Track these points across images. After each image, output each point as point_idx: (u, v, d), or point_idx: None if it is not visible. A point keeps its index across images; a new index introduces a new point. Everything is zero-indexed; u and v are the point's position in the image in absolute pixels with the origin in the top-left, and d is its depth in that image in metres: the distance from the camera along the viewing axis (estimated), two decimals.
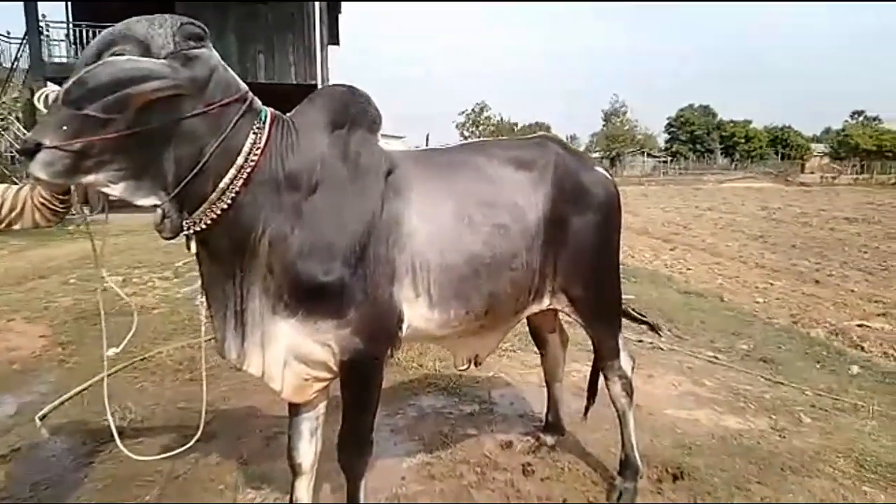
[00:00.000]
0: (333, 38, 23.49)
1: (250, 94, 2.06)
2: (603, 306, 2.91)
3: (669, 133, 63.42)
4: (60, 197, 2.03)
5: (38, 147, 1.67)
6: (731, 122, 62.81)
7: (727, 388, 4.73)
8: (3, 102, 14.08)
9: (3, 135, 13.23)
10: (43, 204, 2.06)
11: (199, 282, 2.18)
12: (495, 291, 2.50)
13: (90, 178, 1.77)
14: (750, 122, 63.45)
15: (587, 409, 3.43)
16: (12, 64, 17.27)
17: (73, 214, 2.17)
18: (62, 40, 18.17)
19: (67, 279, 7.81)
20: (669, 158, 58.07)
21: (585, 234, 2.71)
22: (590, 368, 3.48)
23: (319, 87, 17.37)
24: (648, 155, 57.81)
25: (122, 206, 2.06)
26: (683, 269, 10.96)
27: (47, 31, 17.54)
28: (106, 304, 2.79)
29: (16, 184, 2.14)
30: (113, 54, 1.77)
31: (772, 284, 9.66)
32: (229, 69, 2.01)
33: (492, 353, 3.29)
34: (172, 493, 2.96)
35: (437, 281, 2.34)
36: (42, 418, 3.71)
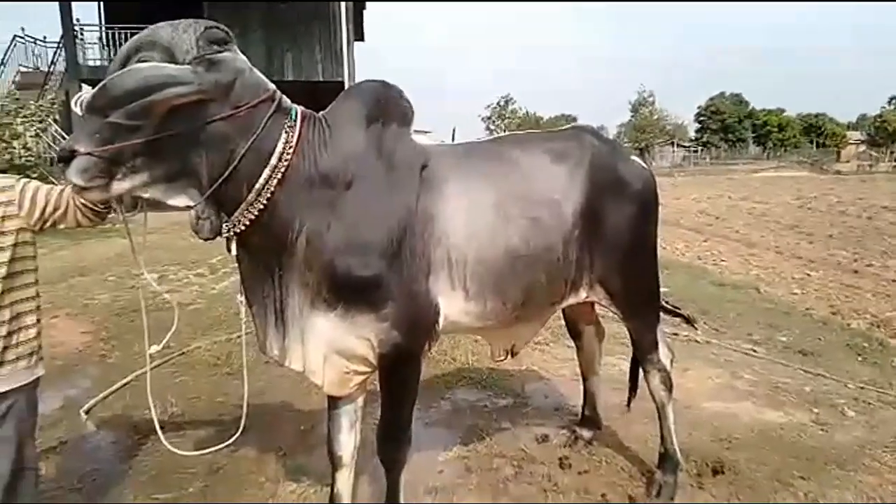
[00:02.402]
0: (359, 34, 23.56)
1: (279, 93, 2.07)
2: (641, 298, 2.87)
3: (700, 122, 62.29)
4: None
5: (73, 154, 1.74)
6: (764, 110, 61.45)
7: (766, 381, 4.64)
8: (41, 105, 14.47)
9: (42, 136, 13.61)
10: (84, 205, 2.11)
11: (240, 281, 2.21)
12: (531, 284, 2.48)
13: (125, 182, 1.83)
14: (783, 110, 62.06)
15: (629, 400, 3.40)
16: (49, 67, 17.71)
17: (113, 214, 2.22)
18: (95, 43, 18.59)
19: (106, 276, 8.00)
20: (700, 148, 57.06)
21: (623, 225, 2.67)
22: (627, 362, 3.44)
23: (346, 83, 17.51)
24: (678, 145, 56.81)
25: (156, 203, 2.11)
26: (717, 261, 10.77)
27: (81, 34, 17.93)
28: (146, 300, 2.87)
29: (55, 185, 2.20)
30: (139, 61, 1.80)
31: (809, 275, 9.44)
32: (255, 70, 2.03)
33: (528, 344, 3.28)
34: (214, 486, 3.01)
35: (473, 274, 2.33)
36: (87, 412, 3.81)
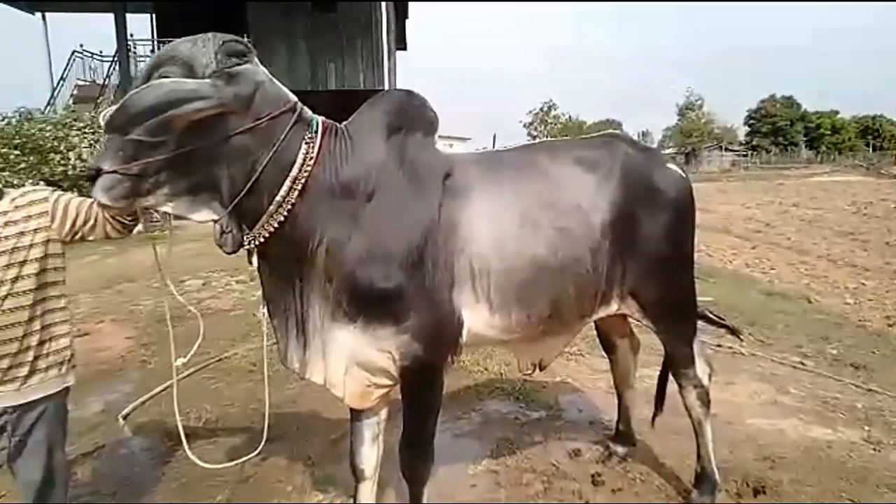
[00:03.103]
0: (401, 43, 23.76)
1: (299, 104, 2.07)
2: (676, 311, 2.77)
3: (749, 126, 60.59)
4: (128, 213, 2.12)
5: (99, 172, 1.77)
6: (817, 112, 59.37)
7: (814, 396, 4.44)
8: (96, 118, 15.08)
9: (96, 148, 14.19)
10: (113, 217, 2.15)
11: (261, 293, 2.22)
12: (559, 296, 2.42)
13: (149, 199, 1.87)
14: (837, 112, 59.83)
15: (654, 417, 3.29)
16: (104, 81, 18.39)
17: (157, 221, 2.26)
18: (148, 56, 19.21)
19: (151, 283, 8.20)
20: (750, 152, 55.47)
21: (657, 235, 2.58)
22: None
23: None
24: (727, 149, 55.36)
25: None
26: (767, 269, 10.43)
27: (135, 48, 18.58)
28: (183, 308, 2.92)
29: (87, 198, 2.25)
30: (161, 76, 1.82)
31: (864, 285, 9.05)
32: (276, 82, 2.03)
33: (557, 358, 3.20)
34: (243, 494, 3.03)
35: (497, 286, 2.28)
36: (125, 417, 3.89)
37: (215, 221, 2.01)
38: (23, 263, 2.06)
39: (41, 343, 2.13)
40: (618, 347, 3.30)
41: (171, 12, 18.70)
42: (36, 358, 2.12)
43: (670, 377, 3.09)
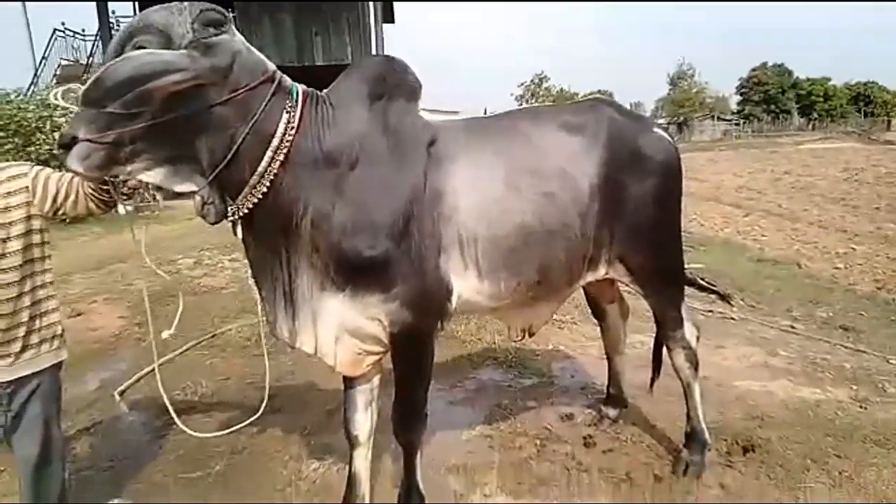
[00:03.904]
0: (388, 17, 23.41)
1: (279, 73, 2.05)
2: (664, 275, 2.79)
3: (741, 94, 60.35)
4: (102, 187, 2.09)
5: (74, 140, 1.74)
6: (809, 80, 59.12)
7: (803, 357, 4.50)
8: (74, 95, 14.86)
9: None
10: (94, 193, 2.13)
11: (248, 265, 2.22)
12: (546, 261, 2.43)
13: (126, 168, 1.84)
14: (829, 79, 59.58)
15: (653, 381, 3.33)
16: (88, 60, 18.12)
17: (148, 202, 2.24)
18: None
19: (142, 263, 8.19)
20: (742, 121, 55.33)
21: (643, 199, 2.59)
22: (653, 340, 3.36)
23: None
24: (719, 118, 55.18)
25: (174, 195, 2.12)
26: (758, 236, 10.48)
27: (117, 26, 18.25)
28: (181, 285, 2.95)
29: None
30: (136, 46, 1.79)
31: (854, 249, 9.11)
32: (254, 51, 2.00)
33: (546, 324, 3.23)
34: (241, 463, 3.07)
35: (485, 252, 2.30)
36: (121, 394, 3.92)
37: (195, 193, 1.99)
38: (6, 240, 2.05)
39: (31, 319, 2.13)
40: (607, 313, 3.33)
41: None
42: (27, 333, 2.13)
43: None
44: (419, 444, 2.47)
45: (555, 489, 2.82)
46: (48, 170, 2.20)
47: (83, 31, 18.80)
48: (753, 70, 59.45)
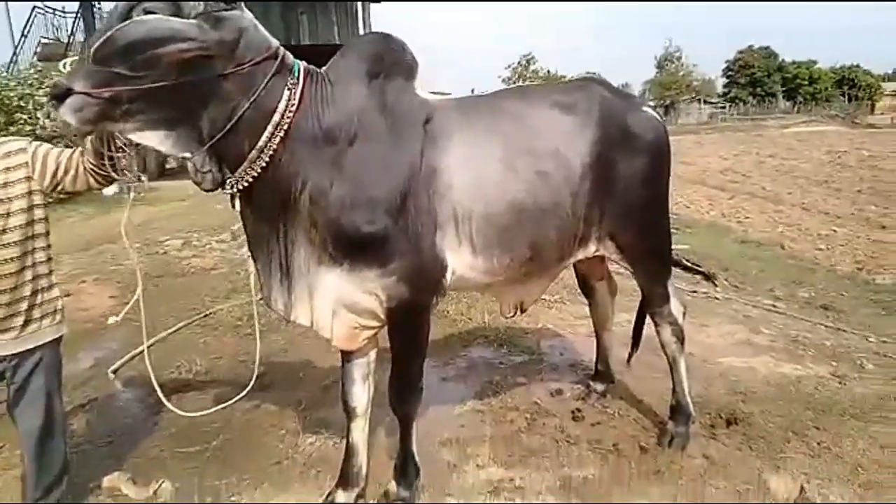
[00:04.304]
0: None
1: (282, 50, 2.07)
2: (651, 252, 2.86)
3: (728, 77, 60.47)
4: (103, 162, 2.11)
5: (69, 92, 1.75)
6: (794, 63, 59.33)
7: (785, 335, 4.62)
8: (59, 74, 14.65)
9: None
10: (93, 169, 2.16)
11: (245, 236, 2.26)
12: (538, 238, 2.49)
13: (118, 125, 1.86)
14: (815, 62, 59.80)
15: (630, 355, 3.42)
16: (68, 37, 17.80)
17: (140, 181, 2.26)
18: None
19: (131, 243, 8.17)
20: (728, 104, 55.51)
21: (633, 177, 2.65)
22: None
23: None
24: (705, 101, 55.30)
25: (179, 172, 2.14)
26: (742, 219, 10.63)
27: (98, 4, 17.92)
28: (170, 266, 2.91)
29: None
30: (144, 11, 1.80)
31: (835, 231, 9.28)
32: (261, 28, 2.03)
33: (538, 300, 3.29)
34: (237, 439, 3.12)
35: (479, 229, 2.35)
36: (115, 372, 3.95)
37: (187, 158, 2.01)
38: (8, 215, 2.07)
39: (33, 293, 2.17)
40: (596, 290, 3.40)
41: None
42: (30, 308, 2.16)
43: (647, 318, 3.21)
44: (415, 416, 2.53)
45: (545, 460, 2.90)
46: (47, 145, 2.21)
47: (63, 8, 18.47)
48: (740, 52, 59.56)
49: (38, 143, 2.21)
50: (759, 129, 35.42)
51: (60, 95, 1.77)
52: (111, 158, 2.05)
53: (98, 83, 1.76)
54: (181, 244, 7.80)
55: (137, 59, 1.76)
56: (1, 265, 2.06)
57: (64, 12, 18.27)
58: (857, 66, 58.74)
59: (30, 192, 2.12)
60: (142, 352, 4.23)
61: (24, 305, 2.14)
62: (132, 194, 2.20)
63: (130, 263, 6.31)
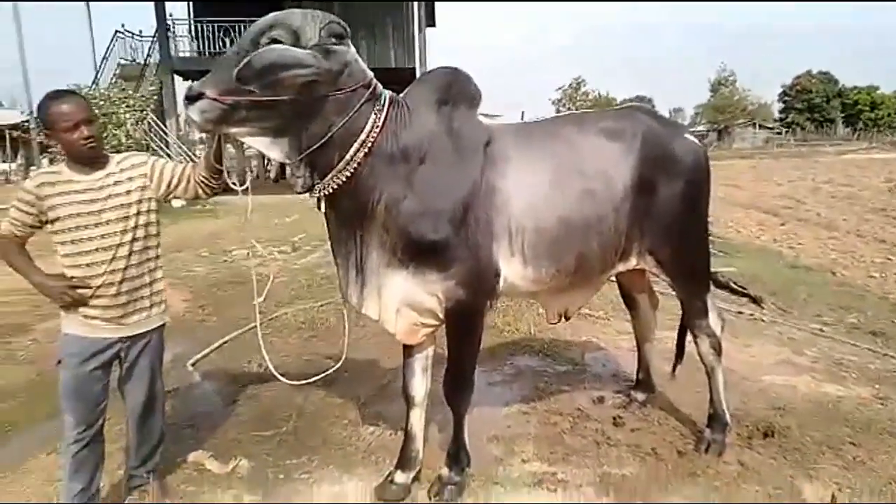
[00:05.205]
0: (430, 20, 23.87)
1: (374, 81, 2.42)
2: (690, 267, 3.07)
3: (784, 102, 59.19)
4: (214, 175, 2.51)
5: (200, 96, 2.15)
6: (855, 88, 57.64)
7: (829, 357, 4.65)
8: (142, 96, 15.71)
9: (140, 124, 14.79)
10: (202, 180, 2.54)
11: (327, 236, 2.60)
12: (583, 251, 2.74)
13: (234, 129, 2.25)
14: (876, 87, 57.98)
15: (675, 367, 3.60)
16: (145, 60, 19.03)
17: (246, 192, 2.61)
18: (185, 36, 19.77)
19: (200, 252, 8.78)
20: (784, 129, 54.24)
21: (672, 198, 2.88)
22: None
23: (417, 69, 17.86)
24: (760, 126, 54.18)
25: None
26: (794, 244, 10.47)
27: (173, 28, 19.10)
28: (236, 275, 3.19)
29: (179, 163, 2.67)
30: (271, 37, 2.18)
31: (890, 259, 9.09)
32: (360, 62, 2.37)
33: (581, 310, 3.50)
34: (305, 426, 3.45)
35: (530, 242, 2.62)
36: (193, 365, 4.35)
37: (286, 164, 2.38)
38: (136, 216, 2.47)
39: (149, 284, 2.56)
40: (638, 303, 3.62)
41: None
42: (145, 297, 2.55)
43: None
44: (467, 409, 2.80)
45: (586, 458, 3.11)
46: (162, 160, 2.63)
47: (140, 32, 19.72)
48: (797, 77, 58.28)
49: (155, 157, 2.61)
50: (816, 154, 34.52)
51: (193, 97, 2.17)
52: (228, 171, 2.44)
53: (224, 92, 2.14)
54: (246, 254, 8.30)
55: (268, 79, 2.13)
56: (125, 259, 2.44)
57: (142, 36, 19.50)
58: None
59: (149, 199, 2.51)
60: (216, 348, 4.65)
61: (142, 294, 2.53)
62: (250, 203, 2.56)
63: (250, 262, 6.75)
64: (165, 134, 17.09)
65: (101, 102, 12.65)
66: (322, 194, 2.39)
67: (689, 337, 3.38)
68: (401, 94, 2.56)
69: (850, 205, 15.01)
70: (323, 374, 3.05)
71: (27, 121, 15.94)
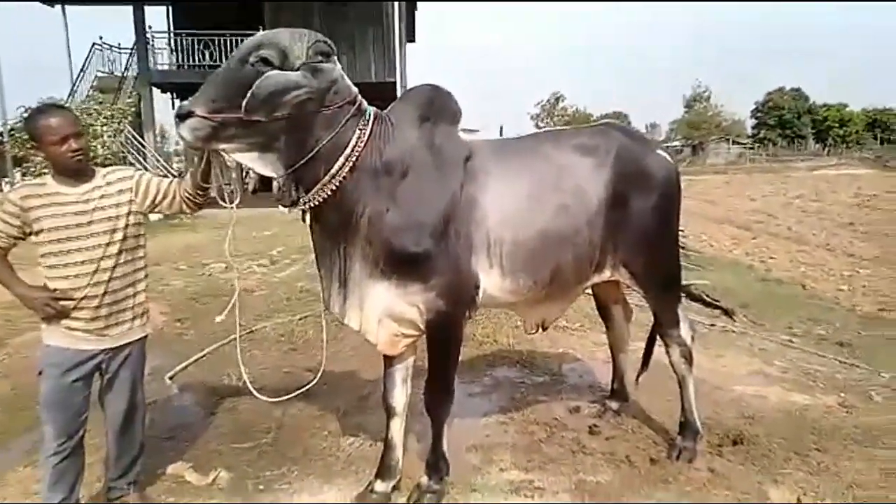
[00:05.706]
0: (410, 35, 24.09)
1: (360, 97, 2.49)
2: (662, 278, 3.18)
3: (756, 118, 60.53)
4: (199, 192, 2.55)
5: (190, 114, 2.20)
6: (825, 105, 59.21)
7: (798, 368, 4.80)
8: (120, 108, 15.61)
9: (117, 137, 14.70)
10: (188, 197, 2.59)
11: (312, 247, 2.65)
12: (560, 263, 2.83)
13: (223, 145, 2.30)
14: (846, 105, 59.64)
15: (639, 374, 3.71)
16: (122, 72, 18.90)
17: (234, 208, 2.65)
18: (164, 48, 19.69)
19: (178, 265, 8.74)
20: (756, 145, 55.43)
21: (645, 212, 2.99)
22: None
23: (398, 83, 18.00)
24: (734, 142, 55.34)
25: (212, 203, 2.57)
26: (766, 258, 10.74)
27: (153, 40, 19.02)
28: (214, 288, 3.21)
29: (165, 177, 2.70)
30: (259, 56, 2.24)
31: (858, 272, 9.37)
32: (346, 79, 2.45)
33: (558, 320, 3.59)
34: (284, 437, 3.48)
35: (508, 254, 2.71)
36: (171, 377, 4.35)
37: (274, 179, 2.44)
38: (124, 228, 2.50)
39: (133, 296, 2.58)
40: (613, 314, 3.71)
41: (189, 5, 19.08)
42: (129, 309, 2.57)
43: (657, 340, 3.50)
44: (446, 417, 2.86)
45: (562, 466, 3.18)
46: (148, 174, 2.66)
47: (119, 44, 19.59)
48: (769, 94, 59.68)
49: (140, 171, 2.65)
50: (787, 170, 35.35)
51: (183, 115, 2.22)
52: (219, 188, 2.49)
53: (213, 110, 2.19)
54: (224, 267, 8.27)
55: (271, 105, 2.22)
56: (110, 272, 2.47)
57: (120, 48, 19.38)
58: (890, 109, 58.34)
59: (135, 212, 2.55)
60: (194, 361, 4.65)
61: (125, 306, 2.55)
62: (234, 217, 2.58)
63: (193, 282, 6.74)
64: (143, 146, 16.99)
65: (77, 115, 12.52)
66: (307, 207, 2.45)
67: (657, 347, 3.49)
68: (385, 110, 2.64)
69: (820, 219, 15.44)
70: (301, 389, 3.08)
71: (0, 133, 15.72)
